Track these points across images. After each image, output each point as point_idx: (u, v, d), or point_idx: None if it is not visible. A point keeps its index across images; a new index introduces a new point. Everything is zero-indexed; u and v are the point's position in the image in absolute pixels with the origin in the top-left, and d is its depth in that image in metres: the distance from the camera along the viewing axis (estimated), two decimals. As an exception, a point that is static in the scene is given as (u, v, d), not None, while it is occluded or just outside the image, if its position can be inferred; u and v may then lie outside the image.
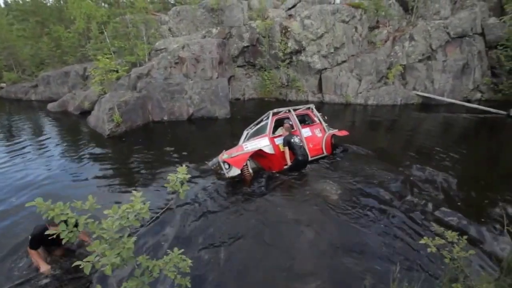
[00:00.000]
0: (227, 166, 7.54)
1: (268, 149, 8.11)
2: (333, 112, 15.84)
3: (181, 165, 3.31)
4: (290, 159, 8.23)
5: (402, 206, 6.47)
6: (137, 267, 2.95)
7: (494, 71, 17.29)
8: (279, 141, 8.45)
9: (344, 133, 9.53)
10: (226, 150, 7.90)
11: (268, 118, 8.75)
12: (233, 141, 9.21)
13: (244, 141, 8.65)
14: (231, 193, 7.22)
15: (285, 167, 8.24)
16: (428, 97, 16.87)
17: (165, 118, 14.50)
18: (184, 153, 10.01)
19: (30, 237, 4.78)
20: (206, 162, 8.64)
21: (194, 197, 7.05)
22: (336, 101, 17.79)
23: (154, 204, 6.74)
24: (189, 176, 3.35)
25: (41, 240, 4.59)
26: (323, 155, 9.06)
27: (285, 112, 9.13)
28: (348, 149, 9.67)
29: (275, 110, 8.83)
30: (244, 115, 15.28)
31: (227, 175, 7.55)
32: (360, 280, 4.46)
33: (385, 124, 13.85)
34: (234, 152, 7.72)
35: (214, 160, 8.01)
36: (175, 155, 9.90)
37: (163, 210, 6.33)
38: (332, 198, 6.80)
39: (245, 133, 9.07)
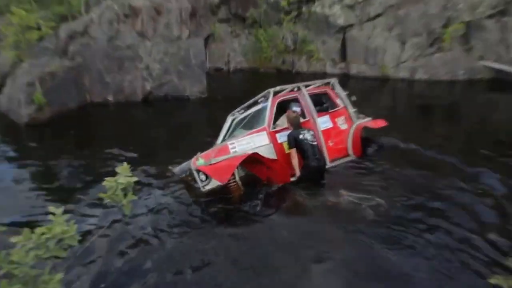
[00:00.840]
0: (203, 178, 7.19)
1: (267, 151, 7.79)
2: (364, 91, 15.80)
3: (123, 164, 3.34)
4: (299, 164, 7.90)
5: (465, 230, 6.28)
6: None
7: None
8: (283, 137, 8.12)
9: (380, 123, 9.24)
10: (201, 153, 7.50)
11: (267, 100, 8.42)
12: (211, 134, 9.24)
13: (228, 136, 8.49)
14: (206, 212, 7.20)
15: (292, 179, 7.95)
16: (503, 70, 16.58)
17: (110, 98, 14.66)
18: (137, 151, 10.06)
19: None
20: (171, 167, 8.48)
21: (151, 217, 7.03)
22: (368, 74, 17.83)
23: (87, 224, 6.73)
24: (135, 179, 3.35)
25: None
26: (349, 158, 8.89)
27: (292, 90, 8.89)
28: (385, 147, 9.55)
29: (277, 88, 8.53)
30: (228, 94, 15.49)
31: (203, 189, 7.22)
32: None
33: (441, 109, 13.92)
34: (214, 155, 7.32)
35: (184, 165, 7.81)
36: (123, 154, 9.85)
37: (98, 234, 6.09)
38: (362, 219, 6.69)
39: (229, 120, 8.93)
